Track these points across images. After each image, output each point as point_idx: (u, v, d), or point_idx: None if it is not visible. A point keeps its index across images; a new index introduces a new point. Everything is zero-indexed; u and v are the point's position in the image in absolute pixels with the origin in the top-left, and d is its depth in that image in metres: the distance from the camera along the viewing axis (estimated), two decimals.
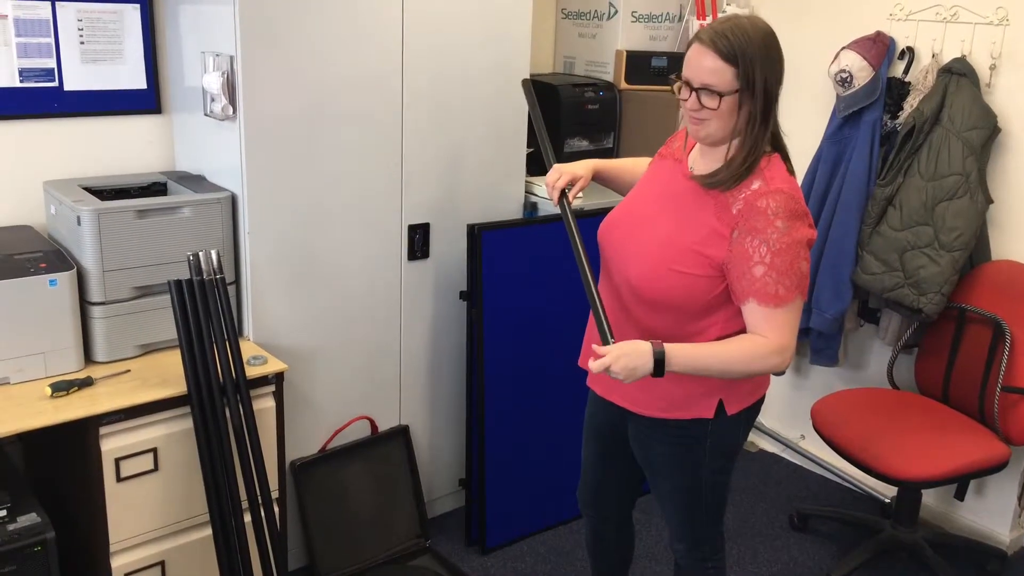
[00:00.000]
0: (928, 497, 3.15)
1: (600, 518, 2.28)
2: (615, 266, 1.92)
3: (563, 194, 2.01)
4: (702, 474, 1.98)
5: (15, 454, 2.55)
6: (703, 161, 1.86)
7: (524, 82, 2.40)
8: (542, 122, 2.20)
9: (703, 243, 1.79)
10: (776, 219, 1.72)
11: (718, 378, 1.84)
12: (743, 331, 1.81)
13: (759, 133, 1.76)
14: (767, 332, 1.75)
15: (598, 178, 2.13)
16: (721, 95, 1.71)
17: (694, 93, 1.74)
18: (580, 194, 2.16)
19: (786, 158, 1.83)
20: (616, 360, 1.69)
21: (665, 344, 1.72)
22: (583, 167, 2.07)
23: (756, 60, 1.70)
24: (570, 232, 1.93)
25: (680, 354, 1.73)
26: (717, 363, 1.76)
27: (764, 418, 3.76)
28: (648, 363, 1.70)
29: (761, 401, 2.00)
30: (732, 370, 1.78)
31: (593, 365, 1.72)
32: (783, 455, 3.70)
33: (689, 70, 1.75)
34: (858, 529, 3.12)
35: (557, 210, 2.87)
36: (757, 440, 3.79)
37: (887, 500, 3.32)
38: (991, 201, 2.84)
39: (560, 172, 2.03)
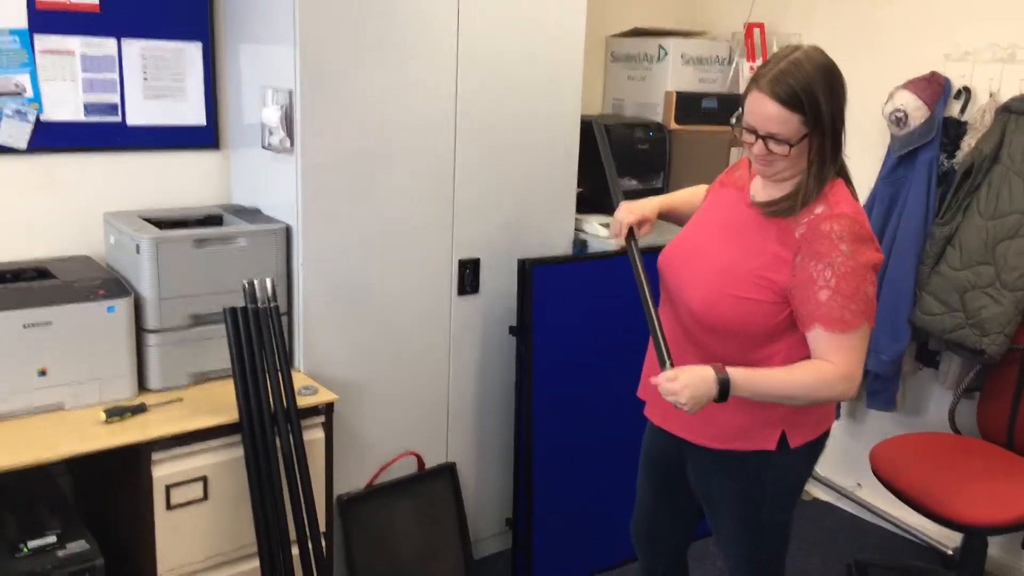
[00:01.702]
0: (992, 548, 3.02)
1: (653, 554, 2.22)
2: (676, 294, 1.89)
3: (631, 231, 1.99)
4: (763, 511, 1.91)
5: (65, 483, 2.55)
6: (765, 189, 1.84)
7: (596, 123, 2.40)
8: (611, 161, 2.19)
9: (765, 268, 1.76)
10: (841, 243, 1.68)
11: (783, 404, 1.79)
12: (808, 358, 1.76)
13: (829, 164, 1.73)
14: (833, 358, 1.70)
15: (661, 214, 2.11)
16: (791, 144, 1.69)
17: (760, 141, 1.72)
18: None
19: (849, 182, 1.80)
20: (683, 391, 1.65)
21: (728, 368, 1.68)
22: (651, 209, 2.05)
23: (820, 99, 1.67)
24: (635, 266, 1.90)
25: (744, 378, 1.69)
26: (782, 388, 1.72)
27: (818, 466, 3.64)
28: (712, 390, 1.66)
29: (826, 436, 1.94)
30: (797, 396, 1.73)
31: (668, 398, 1.68)
32: (838, 504, 3.59)
33: (753, 118, 1.71)
34: None
35: (607, 247, 2.91)
36: (811, 488, 3.68)
37: (949, 552, 3.19)
38: None
39: (630, 210, 2.01)
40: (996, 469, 2.72)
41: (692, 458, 1.97)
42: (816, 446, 1.92)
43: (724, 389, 1.67)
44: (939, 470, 2.71)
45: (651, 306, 1.83)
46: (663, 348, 1.76)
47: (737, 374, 1.69)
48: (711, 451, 1.90)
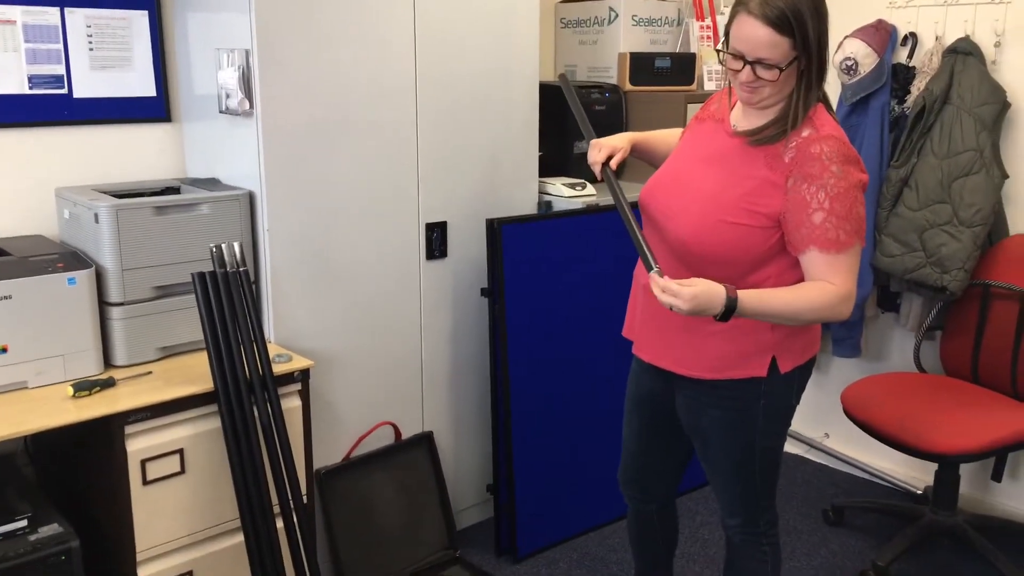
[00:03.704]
0: (963, 485, 3.09)
1: (643, 498, 2.21)
2: (663, 226, 1.88)
3: (605, 165, 1.98)
4: (755, 439, 1.92)
5: (29, 473, 2.44)
6: (747, 118, 1.84)
7: (561, 76, 2.38)
8: (578, 103, 2.16)
9: (754, 194, 1.76)
10: (831, 164, 1.69)
11: (783, 325, 1.79)
12: (799, 281, 1.77)
13: (815, 88, 1.74)
14: (832, 279, 1.72)
15: (635, 150, 2.10)
16: (780, 68, 1.68)
17: (748, 66, 1.71)
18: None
19: (829, 107, 1.82)
20: (692, 299, 1.63)
21: (738, 291, 1.67)
22: (621, 139, 2.04)
23: (808, 21, 1.66)
24: (612, 190, 1.89)
25: (752, 300, 1.68)
26: (789, 308, 1.72)
27: None
28: (718, 308, 1.65)
29: (813, 362, 1.95)
30: (801, 316, 1.74)
31: (663, 297, 1.65)
32: (807, 456, 3.64)
33: (740, 43, 1.70)
34: (896, 518, 3.05)
35: (573, 206, 2.90)
36: None
37: (919, 492, 3.25)
38: (1006, 176, 2.84)
39: (600, 146, 2.00)
40: (964, 401, 2.78)
41: (682, 392, 1.96)
42: (805, 370, 1.93)
43: (729, 311, 1.66)
44: (910, 405, 2.76)
45: (630, 217, 1.80)
46: (647, 253, 1.74)
47: (745, 296, 1.68)
48: (703, 382, 1.90)
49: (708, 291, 1.65)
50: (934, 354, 3.11)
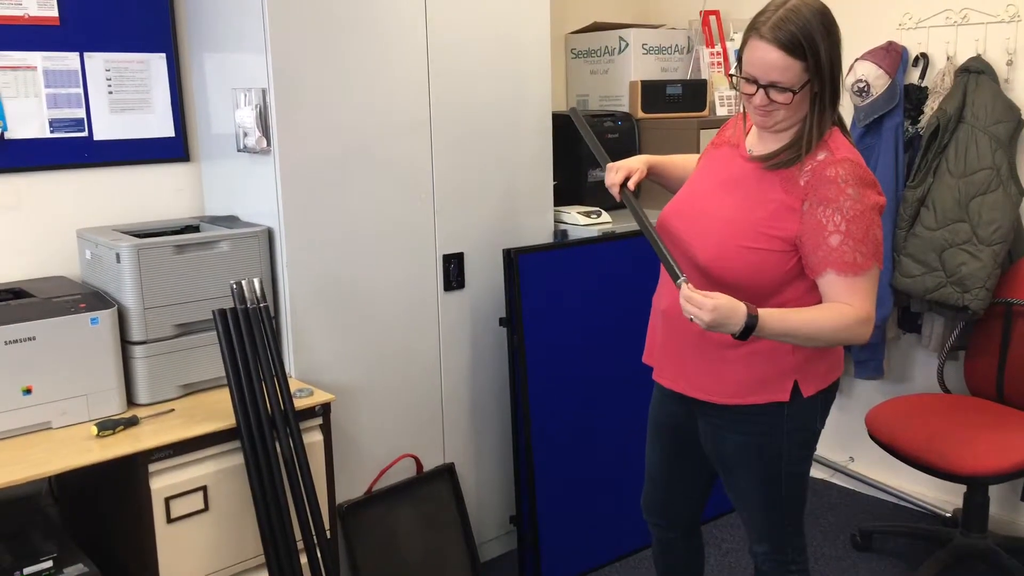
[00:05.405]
0: (993, 506, 3.04)
1: (667, 526, 2.19)
2: (681, 251, 1.88)
3: (624, 186, 1.99)
4: (781, 464, 1.90)
5: (53, 513, 2.45)
6: (762, 142, 1.84)
7: (572, 110, 2.41)
8: (590, 131, 2.18)
9: (771, 218, 1.76)
10: (847, 187, 1.69)
11: (802, 347, 1.78)
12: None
13: (829, 111, 1.74)
14: (850, 301, 1.71)
15: (651, 173, 2.10)
16: (793, 91, 1.69)
17: (761, 90, 1.72)
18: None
19: (844, 130, 1.82)
20: (712, 312, 1.61)
21: (760, 310, 1.66)
22: (638, 160, 2.05)
23: (820, 44, 1.67)
24: (631, 208, 1.90)
25: (772, 320, 1.67)
26: (806, 329, 1.70)
27: None
28: (738, 325, 1.64)
29: (836, 385, 1.93)
30: (820, 337, 1.72)
31: (687, 307, 1.64)
32: (833, 480, 3.59)
33: (753, 68, 1.71)
34: (926, 542, 3.00)
35: (588, 234, 2.91)
36: None
37: (948, 514, 3.20)
38: None
39: (617, 168, 2.00)
40: (991, 422, 2.75)
41: (704, 418, 1.95)
42: (828, 394, 1.91)
43: (749, 329, 1.64)
44: (936, 427, 2.72)
45: (651, 230, 1.79)
46: (672, 263, 1.73)
47: (766, 315, 1.66)
48: (725, 408, 1.88)
49: (730, 304, 1.63)
50: (958, 374, 3.08)
